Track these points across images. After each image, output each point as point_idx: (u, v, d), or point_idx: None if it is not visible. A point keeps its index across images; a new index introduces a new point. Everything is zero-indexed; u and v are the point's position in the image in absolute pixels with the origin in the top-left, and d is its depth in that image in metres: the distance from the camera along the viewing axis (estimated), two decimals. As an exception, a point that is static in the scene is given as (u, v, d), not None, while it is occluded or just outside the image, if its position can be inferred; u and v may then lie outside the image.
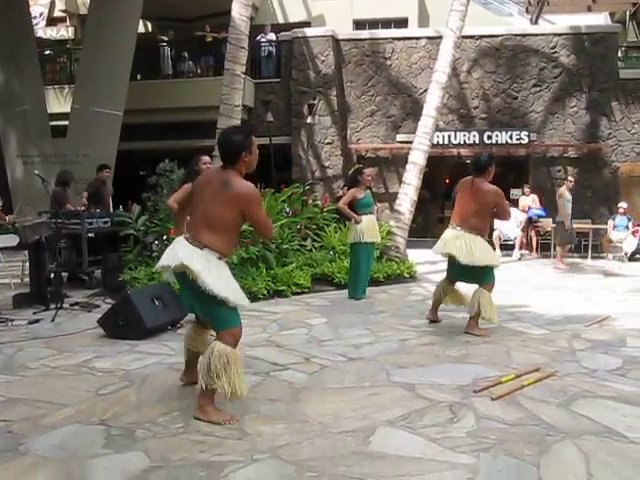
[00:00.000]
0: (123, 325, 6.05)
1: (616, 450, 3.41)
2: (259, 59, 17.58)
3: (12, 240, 9.48)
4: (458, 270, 6.42)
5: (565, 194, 12.78)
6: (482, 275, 6.32)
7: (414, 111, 15.92)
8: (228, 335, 3.88)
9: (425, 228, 17.46)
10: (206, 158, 6.24)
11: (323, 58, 16.64)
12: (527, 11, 20.83)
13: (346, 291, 8.77)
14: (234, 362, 3.81)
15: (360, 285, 8.63)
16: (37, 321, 6.90)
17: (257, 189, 3.99)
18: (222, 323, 3.92)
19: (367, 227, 8.45)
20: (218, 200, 3.84)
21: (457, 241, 6.34)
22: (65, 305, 7.55)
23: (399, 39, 17.01)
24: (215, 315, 3.94)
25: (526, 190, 15.34)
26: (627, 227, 14.16)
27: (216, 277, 3.79)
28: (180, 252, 3.83)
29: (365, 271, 8.67)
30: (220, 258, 3.89)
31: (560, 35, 16.35)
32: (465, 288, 6.68)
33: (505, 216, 6.74)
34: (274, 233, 9.41)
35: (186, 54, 17.52)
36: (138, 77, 16.42)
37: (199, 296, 3.83)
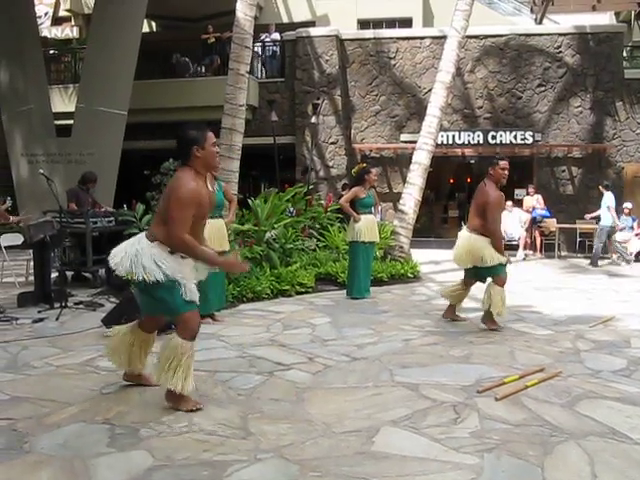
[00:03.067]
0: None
1: (620, 451, 3.41)
2: (264, 58, 17.59)
3: (17, 239, 9.50)
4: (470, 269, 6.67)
5: None
6: (487, 270, 6.39)
7: (418, 111, 15.92)
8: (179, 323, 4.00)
9: (429, 228, 17.48)
10: None
11: (327, 58, 16.64)
12: (532, 11, 20.80)
13: (350, 291, 8.78)
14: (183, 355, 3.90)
15: (357, 284, 8.59)
16: (41, 320, 6.90)
17: (194, 191, 3.81)
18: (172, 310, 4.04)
19: (366, 227, 8.44)
20: (164, 195, 4.01)
21: (457, 241, 6.66)
22: (69, 304, 7.55)
23: (403, 39, 16.99)
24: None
25: (530, 190, 15.34)
26: (632, 227, 14.14)
27: (152, 262, 3.85)
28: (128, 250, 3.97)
29: (363, 271, 8.62)
30: (173, 253, 3.88)
31: (565, 35, 16.32)
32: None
33: (488, 225, 6.29)
34: (279, 233, 9.42)
35: (188, 54, 17.55)
36: (142, 76, 16.44)
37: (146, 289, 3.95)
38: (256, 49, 16.28)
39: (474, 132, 16.42)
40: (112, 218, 9.69)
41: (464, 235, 6.55)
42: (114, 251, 4.02)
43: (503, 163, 6.55)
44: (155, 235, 3.92)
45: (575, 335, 6.30)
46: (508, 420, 3.86)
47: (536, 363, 5.16)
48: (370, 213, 8.63)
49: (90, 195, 9.94)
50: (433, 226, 18.01)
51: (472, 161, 17.63)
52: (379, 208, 11.28)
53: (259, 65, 17.44)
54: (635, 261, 13.65)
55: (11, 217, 8.15)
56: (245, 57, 9.82)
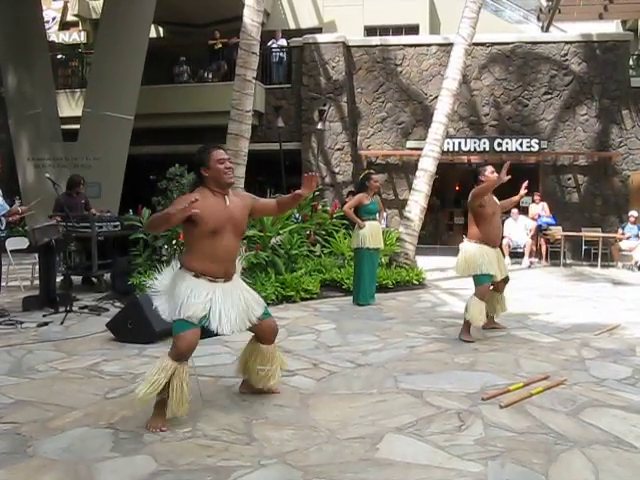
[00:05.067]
0: (132, 329, 6.06)
1: (625, 460, 3.39)
2: (270, 65, 17.62)
3: (22, 243, 9.53)
4: None
5: None
6: (475, 278, 6.44)
7: (424, 118, 15.92)
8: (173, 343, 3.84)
9: (434, 235, 17.47)
10: None
11: (334, 64, 16.66)
12: (538, 19, 20.80)
13: (355, 297, 8.77)
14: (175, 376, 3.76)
15: (362, 291, 8.60)
16: (46, 324, 6.92)
17: (191, 196, 3.77)
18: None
19: (370, 233, 8.45)
20: None
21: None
22: (74, 308, 7.57)
23: (410, 46, 16.99)
24: None
25: (536, 198, 15.31)
26: (637, 236, 14.10)
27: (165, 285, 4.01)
28: None
29: (368, 277, 8.64)
30: (198, 276, 3.89)
31: (571, 43, 16.31)
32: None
33: (480, 189, 6.52)
34: (284, 239, 9.44)
35: (189, 59, 17.66)
36: (149, 82, 16.50)
37: None
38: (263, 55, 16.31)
39: (480, 139, 16.39)
40: (118, 223, 9.72)
41: (463, 245, 6.58)
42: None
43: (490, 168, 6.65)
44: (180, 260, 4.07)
45: (580, 343, 6.28)
46: (512, 428, 3.85)
47: (541, 371, 5.15)
48: (374, 220, 8.64)
49: (84, 197, 9.92)
50: (439, 233, 18.00)
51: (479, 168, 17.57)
52: (384, 215, 11.26)
53: (266, 71, 17.46)
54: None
55: (20, 208, 8.14)
56: (252, 63, 9.84)
